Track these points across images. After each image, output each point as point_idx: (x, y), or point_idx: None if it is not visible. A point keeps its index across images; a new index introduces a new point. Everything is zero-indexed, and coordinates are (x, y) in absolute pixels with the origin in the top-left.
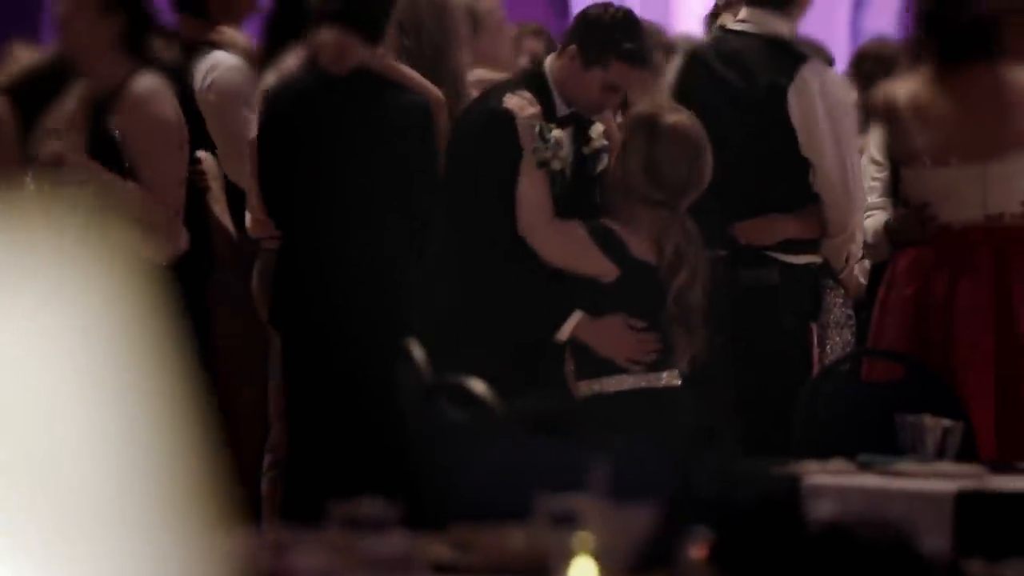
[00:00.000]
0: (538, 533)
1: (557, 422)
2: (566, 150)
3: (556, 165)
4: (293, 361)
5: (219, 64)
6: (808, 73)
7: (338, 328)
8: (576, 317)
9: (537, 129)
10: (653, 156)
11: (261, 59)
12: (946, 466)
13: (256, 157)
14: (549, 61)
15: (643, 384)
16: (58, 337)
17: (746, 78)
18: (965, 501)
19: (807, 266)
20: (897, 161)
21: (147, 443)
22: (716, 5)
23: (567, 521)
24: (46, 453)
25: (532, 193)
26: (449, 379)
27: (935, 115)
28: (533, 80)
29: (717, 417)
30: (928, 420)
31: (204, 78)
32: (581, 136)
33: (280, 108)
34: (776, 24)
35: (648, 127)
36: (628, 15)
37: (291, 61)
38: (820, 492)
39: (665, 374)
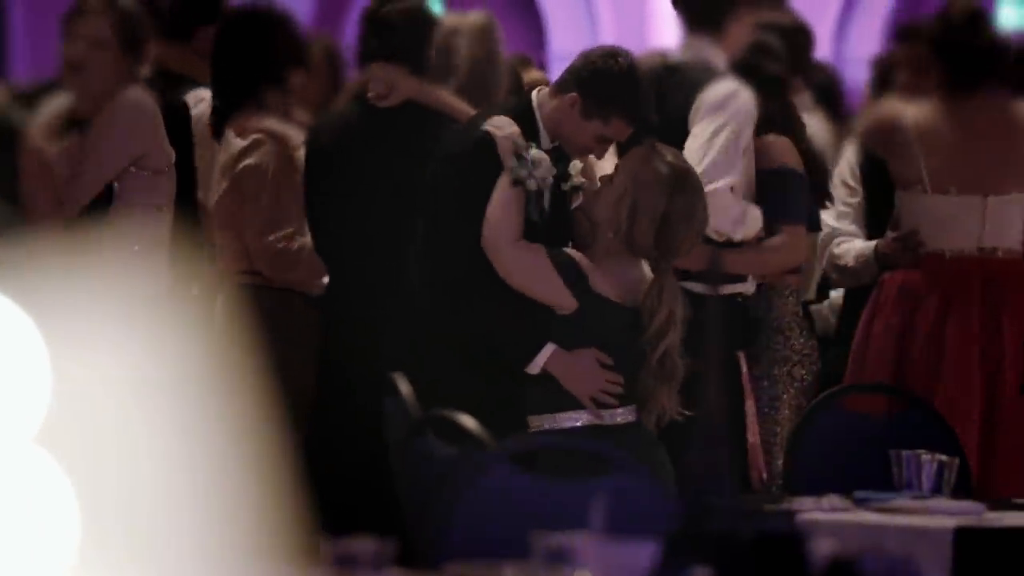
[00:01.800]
0: (535, 571)
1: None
2: (544, 170)
3: (532, 185)
4: (330, 390)
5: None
6: (715, 85)
7: (387, 366)
8: (549, 350)
9: (513, 146)
10: (671, 214)
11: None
12: (943, 502)
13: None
14: (540, 96)
15: (596, 421)
16: (148, 372)
17: (661, 108)
18: (964, 537)
19: (733, 296)
20: (894, 184)
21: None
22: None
23: (564, 559)
24: (132, 484)
25: (500, 211)
26: (436, 414)
27: (940, 142)
28: (519, 111)
29: (715, 450)
30: (924, 455)
31: (195, 106)
32: (560, 170)
33: (327, 143)
34: (707, 51)
35: (679, 182)
36: (632, 69)
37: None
38: (816, 529)
39: (620, 411)
